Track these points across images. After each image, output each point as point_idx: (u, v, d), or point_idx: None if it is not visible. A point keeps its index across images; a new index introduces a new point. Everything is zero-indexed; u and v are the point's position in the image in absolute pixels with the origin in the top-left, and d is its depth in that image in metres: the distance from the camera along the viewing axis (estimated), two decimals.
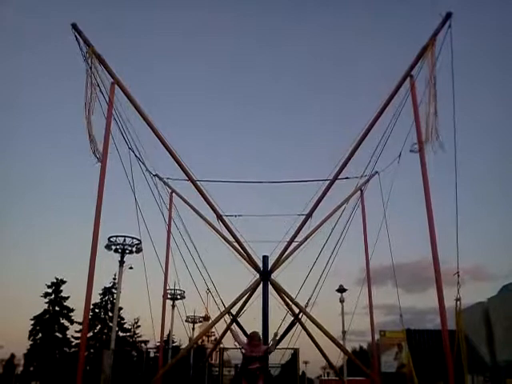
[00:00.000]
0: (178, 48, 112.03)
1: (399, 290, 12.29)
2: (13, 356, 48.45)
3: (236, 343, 9.42)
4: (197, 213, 13.24)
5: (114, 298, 37.86)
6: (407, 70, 8.79)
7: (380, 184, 12.15)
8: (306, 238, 12.20)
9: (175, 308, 33.53)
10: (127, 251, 24.40)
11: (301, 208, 11.35)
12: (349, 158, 9.69)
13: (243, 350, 9.11)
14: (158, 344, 22.04)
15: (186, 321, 38.25)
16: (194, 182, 10.29)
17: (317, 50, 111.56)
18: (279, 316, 12.19)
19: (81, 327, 27.88)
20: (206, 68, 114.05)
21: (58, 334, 40.31)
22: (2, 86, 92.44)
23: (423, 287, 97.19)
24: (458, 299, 7.50)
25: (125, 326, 42.34)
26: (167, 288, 14.78)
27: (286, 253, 11.59)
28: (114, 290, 38.89)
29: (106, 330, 39.27)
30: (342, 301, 27.85)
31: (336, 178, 10.16)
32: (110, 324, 36.40)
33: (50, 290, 40.79)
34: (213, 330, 15.30)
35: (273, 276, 11.83)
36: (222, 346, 15.75)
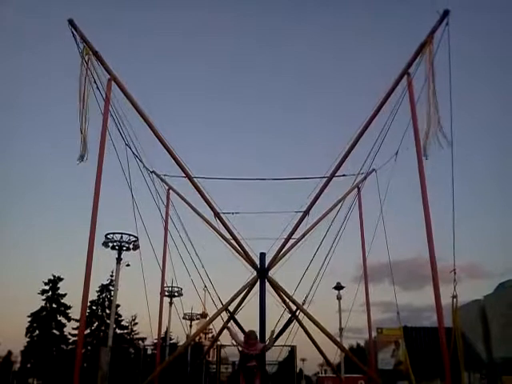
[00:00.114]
0: (176, 46, 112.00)
1: (396, 287, 12.29)
2: (10, 353, 48.45)
3: (233, 341, 9.48)
4: (194, 210, 13.23)
5: (111, 295, 37.79)
6: (404, 68, 8.79)
7: (377, 181, 12.18)
8: (303, 236, 12.21)
9: (173, 305, 33.55)
10: (124, 248, 24.34)
11: (298, 205, 11.40)
12: (346, 156, 9.68)
13: (240, 348, 9.17)
14: (155, 341, 22.01)
15: (183, 318, 38.41)
16: (191, 179, 10.28)
17: (315, 49, 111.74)
18: (276, 313, 12.24)
19: (78, 324, 27.81)
20: (204, 66, 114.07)
21: (55, 331, 40.25)
22: (2, 86, 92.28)
23: (420, 284, 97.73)
24: (454, 296, 7.51)
25: (122, 323, 42.30)
26: (164, 285, 14.79)
27: (283, 250, 11.60)
28: (111, 287, 38.84)
29: (103, 327, 39.23)
30: (339, 298, 27.93)
31: (333, 175, 10.16)
32: (108, 321, 36.41)
33: (47, 287, 40.69)
34: (210, 327, 15.29)
35: (270, 273, 11.83)
36: (219, 343, 15.73)
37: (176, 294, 34.46)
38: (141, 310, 39.98)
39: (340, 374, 25.21)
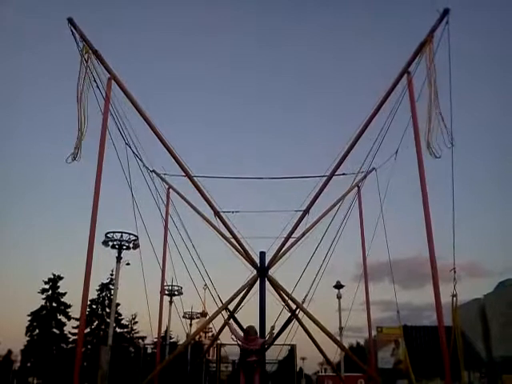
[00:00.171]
0: (176, 45, 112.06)
1: (396, 286, 12.30)
2: (10, 352, 48.47)
3: (233, 336, 9.50)
4: (194, 209, 13.23)
5: (111, 294, 37.75)
6: (404, 67, 8.79)
7: (377, 180, 12.17)
8: (303, 234, 12.19)
9: (173, 304, 33.55)
10: (124, 247, 24.35)
11: (298, 204, 11.38)
12: (346, 155, 9.69)
13: (240, 343, 9.19)
14: (155, 340, 22.00)
15: (183, 317, 38.41)
16: (191, 178, 10.28)
17: (315, 48, 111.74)
18: (276, 312, 12.22)
19: (78, 323, 27.84)
20: (204, 65, 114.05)
21: (55, 329, 40.25)
22: (2, 86, 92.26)
23: (420, 283, 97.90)
24: (454, 295, 7.52)
25: (122, 322, 42.27)
26: (164, 284, 14.79)
27: (283, 249, 11.61)
28: (111, 286, 38.81)
29: (103, 326, 39.23)
30: (339, 297, 27.94)
31: (333, 174, 10.16)
32: (108, 320, 36.40)
33: (47, 286, 40.69)
34: (210, 326, 15.27)
35: (270, 272, 11.84)
36: (219, 342, 15.75)
37: (176, 292, 34.42)
38: (141, 309, 40.05)
39: (340, 372, 25.24)
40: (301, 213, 10.93)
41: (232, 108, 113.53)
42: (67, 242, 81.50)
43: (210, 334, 45.24)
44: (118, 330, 39.48)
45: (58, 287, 40.99)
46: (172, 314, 34.23)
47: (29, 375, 41.14)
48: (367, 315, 13.81)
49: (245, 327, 9.61)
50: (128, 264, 24.25)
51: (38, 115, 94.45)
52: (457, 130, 7.75)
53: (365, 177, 13.09)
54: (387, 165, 11.23)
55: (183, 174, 10.34)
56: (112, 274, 36.73)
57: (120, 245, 24.21)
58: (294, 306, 11.92)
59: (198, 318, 47.30)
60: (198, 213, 13.07)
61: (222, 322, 12.02)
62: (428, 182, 8.25)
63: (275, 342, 12.45)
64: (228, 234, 11.70)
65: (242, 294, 12.00)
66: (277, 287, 11.98)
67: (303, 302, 11.98)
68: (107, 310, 39.58)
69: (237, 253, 11.99)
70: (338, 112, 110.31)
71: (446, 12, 7.81)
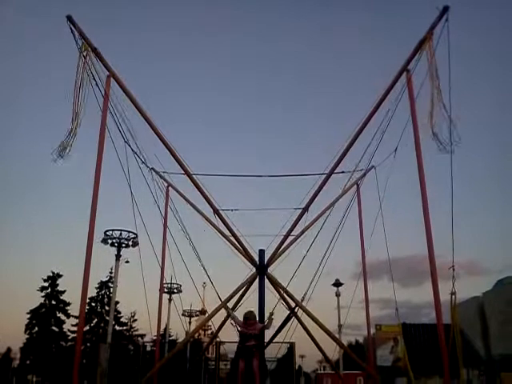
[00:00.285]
0: (176, 43, 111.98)
1: (395, 284, 12.26)
2: (9, 350, 48.53)
3: (232, 322, 9.75)
4: (193, 207, 13.20)
5: (110, 292, 37.80)
6: (404, 65, 8.78)
7: (376, 178, 12.15)
8: (302, 232, 12.18)
9: (172, 302, 33.58)
10: (123, 245, 24.38)
11: (297, 202, 11.35)
12: (345, 153, 9.68)
13: (239, 328, 9.27)
14: (154, 338, 22.05)
15: (182, 314, 38.36)
16: (190, 176, 10.27)
17: (314, 46, 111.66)
18: (275, 310, 12.21)
19: (77, 321, 27.87)
20: (203, 63, 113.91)
21: (54, 327, 40.31)
22: (2, 86, 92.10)
23: (419, 281, 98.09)
24: (453, 293, 7.53)
25: (121, 319, 42.35)
26: (164, 282, 14.77)
27: (283, 247, 11.61)
28: (110, 284, 38.83)
29: (102, 324, 39.29)
30: (338, 295, 27.99)
31: (332, 172, 10.16)
32: (107, 318, 36.47)
33: (46, 284, 40.74)
34: (209, 323, 15.28)
35: (269, 270, 11.83)
36: (218, 339, 15.73)
37: (175, 290, 34.47)
38: (140, 307, 40.13)
39: (339, 370, 25.27)
40: (300, 210, 10.93)
41: (231, 106, 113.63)
42: (66, 240, 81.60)
43: (210, 332, 45.25)
44: (117, 327, 39.56)
45: (58, 285, 41.04)
46: (171, 311, 34.33)
47: (28, 373, 41.19)
48: (366, 313, 13.81)
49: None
50: (127, 262, 24.29)
51: (37, 115, 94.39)
52: (456, 127, 7.74)
53: (364, 175, 13.08)
54: (386, 163, 11.20)
55: (182, 171, 10.33)
56: (111, 272, 36.78)
57: (119, 243, 24.25)
58: (293, 304, 11.92)
59: (197, 315, 47.33)
60: (197, 211, 13.05)
61: (222, 319, 12.04)
62: (427, 180, 8.25)
63: (274, 340, 12.51)
64: (227, 232, 11.68)
65: (241, 292, 11.99)
66: (276, 285, 11.98)
67: (302, 300, 11.95)
68: (106, 307, 39.64)
69: (236, 251, 11.98)
70: (337, 110, 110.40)
71: (445, 9, 7.80)
